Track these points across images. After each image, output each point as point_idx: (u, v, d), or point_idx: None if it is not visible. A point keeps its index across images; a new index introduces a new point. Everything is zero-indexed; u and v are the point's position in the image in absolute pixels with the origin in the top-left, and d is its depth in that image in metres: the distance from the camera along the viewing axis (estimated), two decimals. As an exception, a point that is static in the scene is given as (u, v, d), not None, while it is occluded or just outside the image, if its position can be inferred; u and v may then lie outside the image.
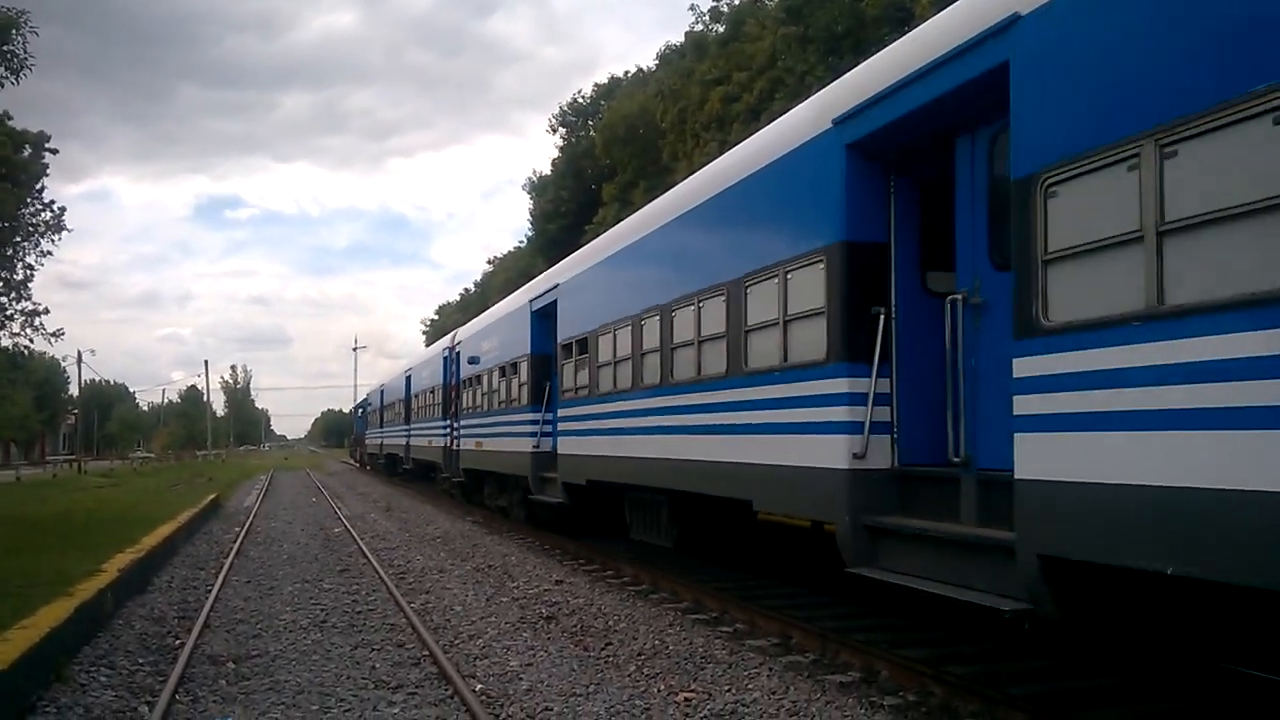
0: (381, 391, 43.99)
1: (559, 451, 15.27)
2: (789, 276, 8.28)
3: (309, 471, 56.45)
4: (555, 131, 57.09)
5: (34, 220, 18.85)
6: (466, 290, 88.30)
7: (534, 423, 16.57)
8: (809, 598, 10.42)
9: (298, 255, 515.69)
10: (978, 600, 5.98)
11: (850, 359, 7.38)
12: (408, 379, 34.66)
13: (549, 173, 56.34)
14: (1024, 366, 5.51)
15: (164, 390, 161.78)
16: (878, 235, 7.52)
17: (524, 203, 60.12)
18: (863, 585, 7.80)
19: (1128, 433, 4.81)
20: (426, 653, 8.45)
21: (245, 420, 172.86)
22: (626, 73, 52.55)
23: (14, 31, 13.70)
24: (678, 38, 41.32)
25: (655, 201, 12.97)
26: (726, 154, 11.05)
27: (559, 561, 14.63)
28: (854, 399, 7.32)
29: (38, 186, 19.04)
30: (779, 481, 8.39)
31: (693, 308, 10.28)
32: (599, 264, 14.02)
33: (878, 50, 8.12)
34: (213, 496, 27.22)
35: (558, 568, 13.88)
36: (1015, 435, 5.55)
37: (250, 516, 23.05)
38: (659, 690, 7.29)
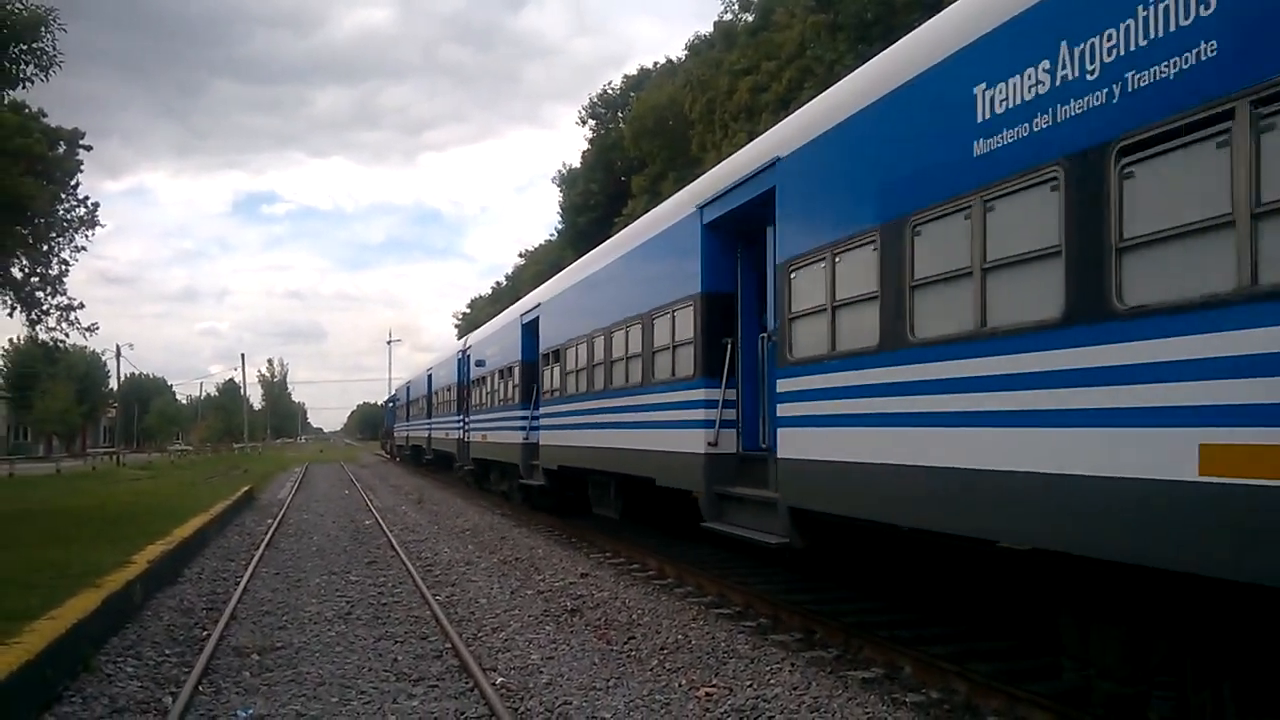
0: (408, 388, 47.22)
1: (540, 443, 17.93)
2: (675, 313, 11.31)
3: (343, 464, 56.98)
4: (585, 124, 57.12)
5: (69, 216, 19.10)
6: (498, 284, 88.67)
7: (524, 418, 19.13)
8: (835, 591, 10.32)
9: (334, 249, 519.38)
10: (760, 539, 8.74)
11: (708, 375, 10.38)
12: (429, 377, 36.88)
13: (579, 165, 56.33)
14: (781, 385, 8.56)
15: (201, 384, 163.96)
16: (728, 287, 10.52)
17: (555, 196, 59.96)
18: (887, 581, 10.08)
19: (827, 428, 7.71)
20: (449, 645, 8.46)
21: (282, 413, 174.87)
22: (656, 64, 52.42)
23: (43, 29, 13.83)
24: (708, 28, 41.16)
25: (606, 242, 16.12)
26: (647, 214, 14.67)
27: (585, 555, 14.63)
28: (710, 404, 10.18)
29: (72, 183, 19.33)
30: (668, 462, 11.32)
31: (623, 331, 13.27)
32: (567, 289, 17.10)
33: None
34: (246, 489, 27.50)
35: (584, 560, 13.87)
36: (777, 430, 8.60)
37: (283, 509, 23.27)
38: (680, 685, 7.24)
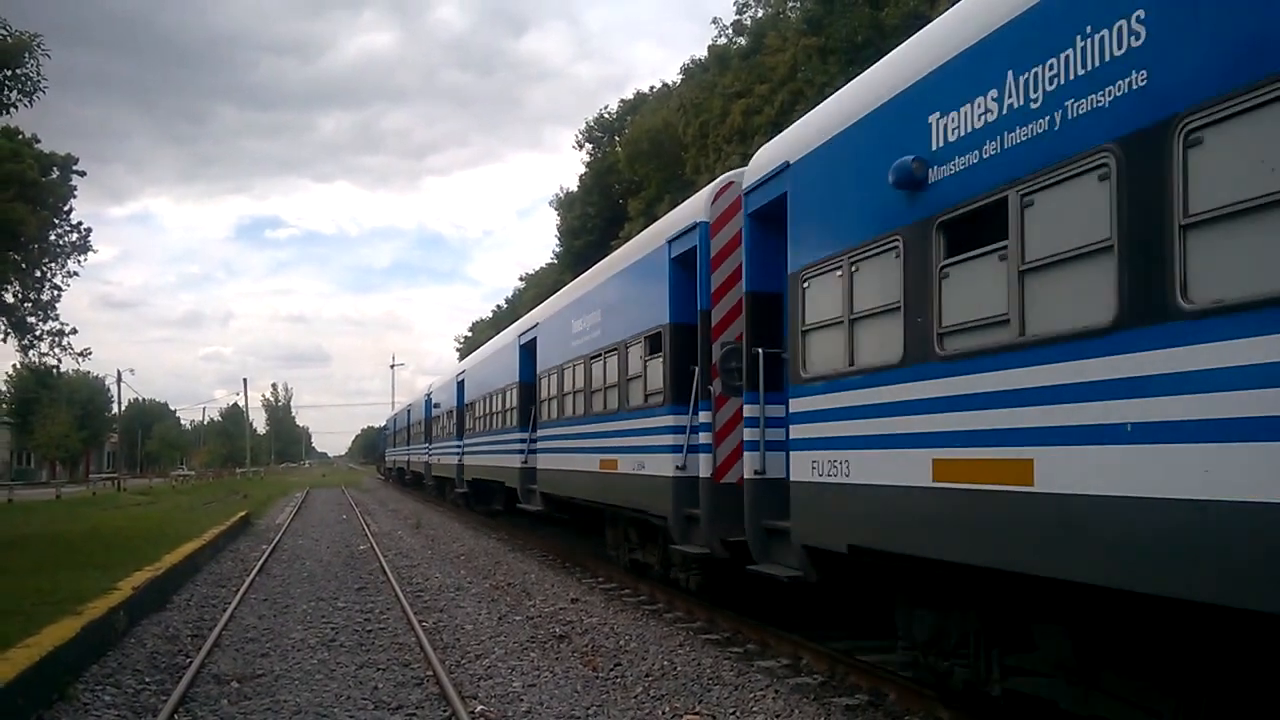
0: (408, 411, 48.02)
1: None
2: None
3: (344, 489, 56.82)
4: (582, 147, 57.35)
5: (61, 241, 19.14)
6: (499, 307, 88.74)
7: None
8: (825, 616, 10.19)
9: (337, 274, 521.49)
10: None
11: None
12: (427, 400, 37.98)
13: (576, 189, 56.53)
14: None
15: (204, 409, 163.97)
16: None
17: (554, 219, 60.15)
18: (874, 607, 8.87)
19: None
20: (431, 673, 8.36)
21: (286, 438, 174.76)
22: (652, 88, 52.73)
23: (26, 55, 13.88)
24: (704, 53, 41.37)
25: (588, 271, 16.24)
26: (621, 247, 15.18)
27: (577, 579, 14.52)
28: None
29: (65, 208, 19.39)
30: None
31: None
32: (554, 314, 17.41)
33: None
34: (243, 514, 27.42)
35: (575, 585, 13.76)
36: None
37: (279, 534, 23.18)
38: (663, 712, 7.15)
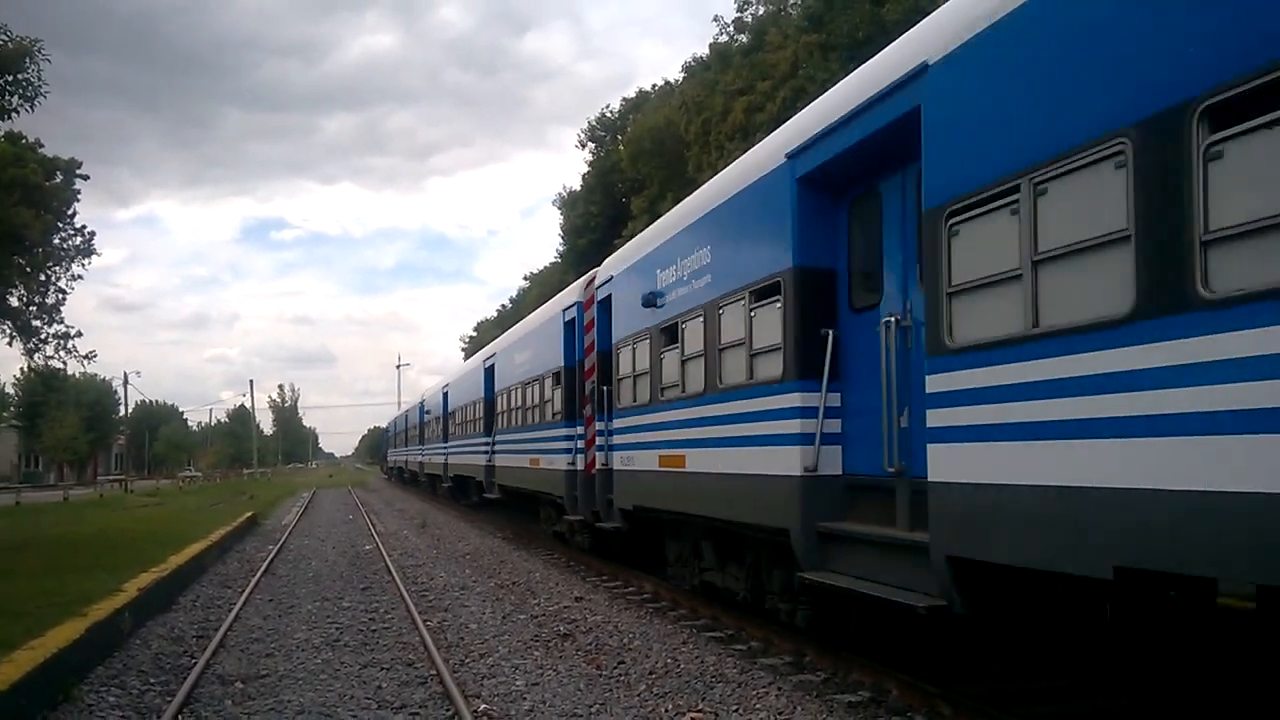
0: (406, 416, 53.88)
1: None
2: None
3: (350, 489, 56.95)
4: (584, 147, 57.33)
5: (65, 245, 19.23)
6: (504, 306, 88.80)
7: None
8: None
9: (343, 275, 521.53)
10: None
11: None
12: (421, 408, 42.90)
13: (579, 188, 56.52)
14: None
15: (211, 410, 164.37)
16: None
17: (557, 218, 60.18)
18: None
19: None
20: (434, 672, 8.38)
21: (293, 438, 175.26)
22: (655, 86, 52.62)
23: (27, 60, 13.93)
24: (705, 50, 41.35)
25: (522, 321, 20.22)
26: (539, 309, 19.40)
27: (582, 578, 14.52)
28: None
29: (69, 212, 19.47)
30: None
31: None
32: (506, 346, 21.98)
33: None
34: (250, 515, 27.49)
35: (580, 584, 13.77)
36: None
37: (285, 534, 23.23)
38: (666, 710, 7.16)
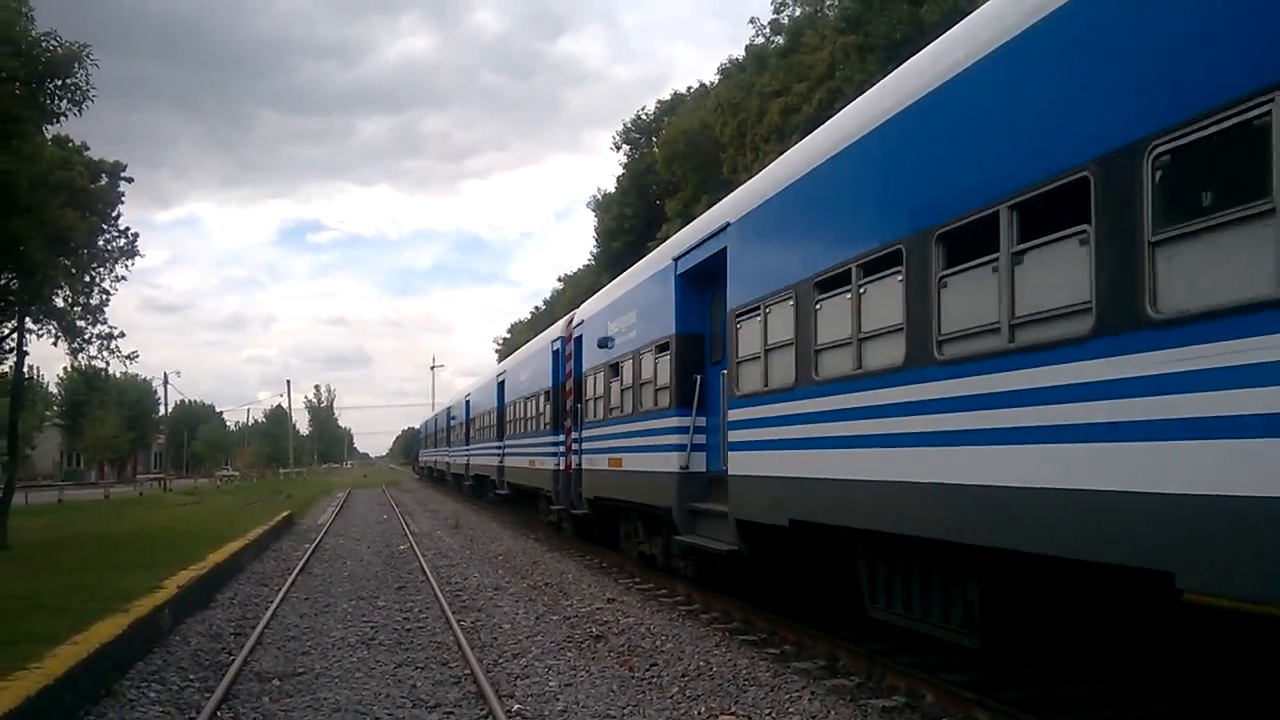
0: (435, 420, 59.60)
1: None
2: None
3: (385, 489, 57.46)
4: (619, 149, 57.38)
5: (109, 247, 19.58)
6: (537, 308, 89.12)
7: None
8: (861, 616, 10.11)
9: (379, 276, 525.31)
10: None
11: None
12: (448, 413, 47.77)
13: (613, 190, 56.59)
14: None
15: (249, 410, 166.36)
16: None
17: (592, 220, 60.26)
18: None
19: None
20: (468, 671, 8.43)
21: (329, 438, 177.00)
22: (690, 88, 52.56)
23: (76, 65, 14.19)
24: (741, 52, 41.26)
25: (518, 350, 27.25)
26: (533, 339, 25.42)
27: (614, 580, 14.54)
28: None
29: (113, 214, 19.82)
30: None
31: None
32: (511, 368, 27.72)
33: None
34: (286, 514, 27.80)
35: (612, 585, 13.79)
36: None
37: (321, 534, 23.48)
38: (698, 713, 7.15)
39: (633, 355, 13.79)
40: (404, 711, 7.33)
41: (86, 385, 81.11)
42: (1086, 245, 5.07)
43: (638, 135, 55.99)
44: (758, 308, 9.35)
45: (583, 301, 21.94)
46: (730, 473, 9.97)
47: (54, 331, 18.25)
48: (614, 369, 14.84)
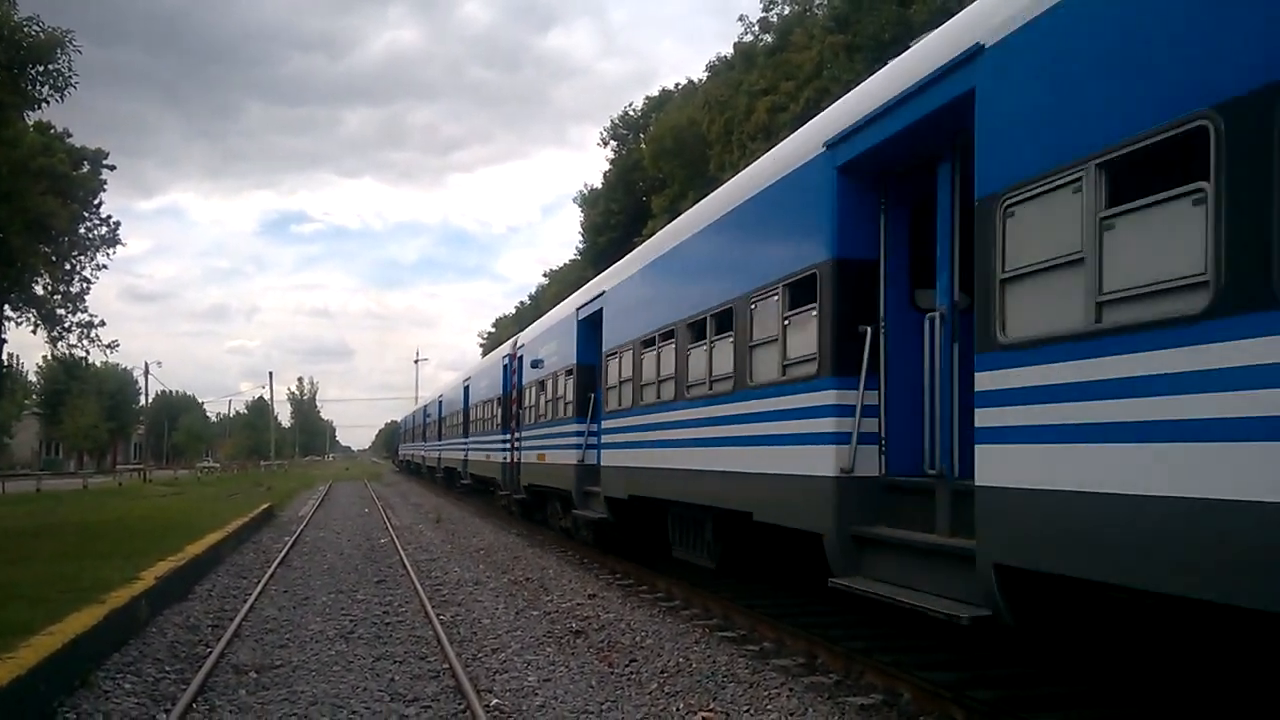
0: (414, 416, 63.94)
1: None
2: (495, 400, 26.13)
3: (367, 482, 57.25)
4: (606, 145, 57.35)
5: (90, 235, 19.41)
6: (522, 303, 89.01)
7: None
8: (839, 615, 10.16)
9: (363, 269, 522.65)
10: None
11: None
12: (424, 411, 52.69)
13: (600, 186, 56.58)
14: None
15: (230, 401, 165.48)
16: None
17: (578, 215, 60.27)
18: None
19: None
20: (447, 666, 8.40)
21: (311, 431, 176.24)
22: (678, 85, 52.58)
23: (59, 51, 14.06)
24: (729, 49, 41.29)
25: (483, 358, 37.08)
26: (490, 353, 34.69)
27: (595, 575, 14.54)
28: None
29: (95, 202, 19.65)
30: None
31: (486, 404, 27.92)
32: (472, 375, 32.71)
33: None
34: (266, 506, 27.66)
35: (593, 581, 13.78)
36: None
37: (301, 526, 23.36)
38: (677, 709, 7.15)
39: (552, 375, 18.12)
40: (381, 705, 7.30)
41: (66, 374, 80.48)
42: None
43: (625, 131, 56.00)
44: (616, 352, 13.81)
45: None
46: (601, 464, 14.57)
47: (33, 319, 18.11)
48: (541, 385, 19.10)
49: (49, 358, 76.98)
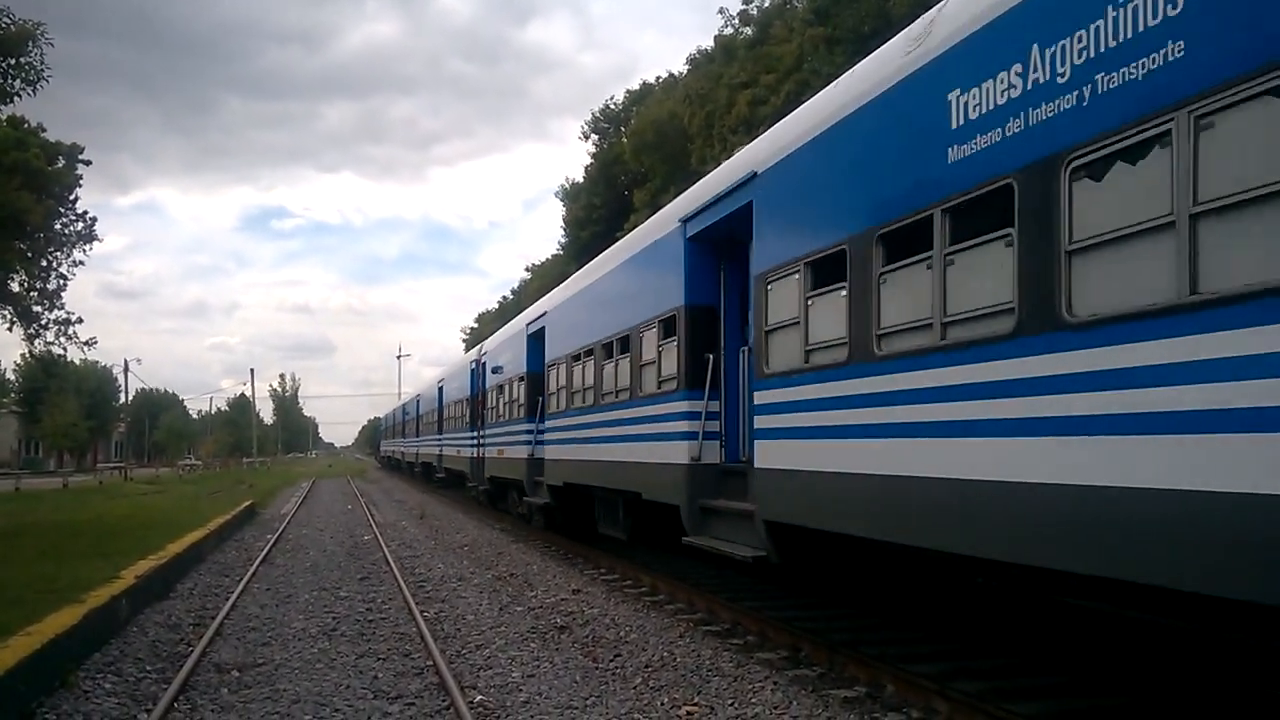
0: (394, 414, 67.35)
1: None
2: (465, 400, 28.20)
3: (350, 479, 57.00)
4: (588, 138, 57.21)
5: (67, 231, 19.20)
6: (505, 298, 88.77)
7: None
8: (827, 609, 10.20)
9: (344, 264, 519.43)
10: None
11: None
12: (403, 409, 55.68)
13: (582, 180, 56.46)
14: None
15: (212, 398, 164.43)
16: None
17: (560, 210, 60.15)
18: (880, 597, 10.53)
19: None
20: (430, 662, 8.38)
21: (294, 428, 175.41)
22: (659, 78, 52.47)
23: (30, 44, 13.87)
24: (710, 43, 41.20)
25: (447, 368, 38.49)
26: (455, 360, 36.16)
27: (579, 570, 14.53)
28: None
29: (71, 197, 19.43)
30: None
31: (455, 404, 30.63)
32: (441, 379, 36.45)
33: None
34: (248, 504, 27.49)
35: (577, 576, 13.77)
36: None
37: (284, 524, 23.23)
38: (661, 703, 7.15)
39: (509, 381, 20.50)
40: (365, 703, 7.27)
41: (44, 372, 79.71)
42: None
43: (606, 125, 55.89)
44: (554, 364, 16.57)
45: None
46: (546, 458, 16.78)
47: (9, 316, 17.88)
48: (500, 389, 21.63)
49: (27, 355, 76.39)
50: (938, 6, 6.39)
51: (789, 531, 8.15)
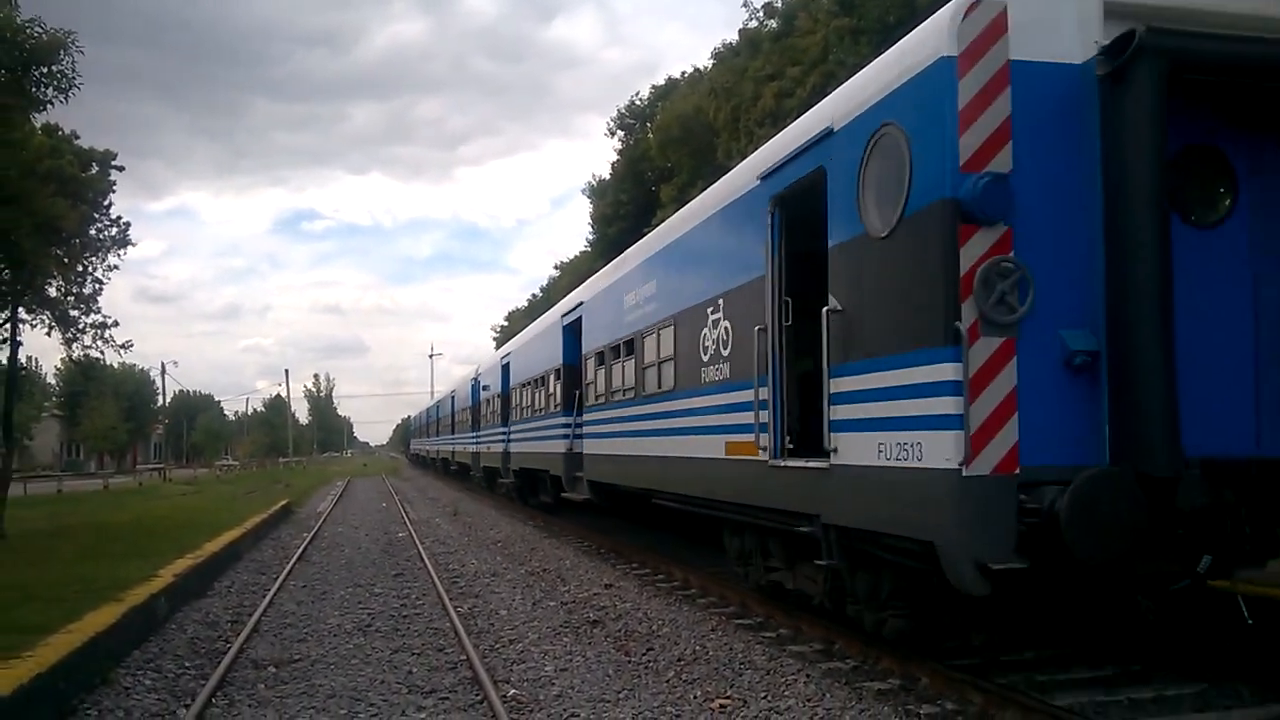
0: (426, 413, 69.03)
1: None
2: (467, 410, 37.75)
3: (384, 477, 57.50)
4: (613, 135, 57.16)
5: (101, 236, 19.51)
6: (534, 296, 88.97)
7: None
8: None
9: (376, 265, 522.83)
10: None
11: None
12: (429, 411, 60.63)
13: (609, 176, 56.41)
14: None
15: (248, 399, 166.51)
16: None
17: (588, 207, 60.18)
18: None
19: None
20: (464, 657, 8.43)
21: (329, 428, 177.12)
22: (684, 73, 52.30)
23: (62, 52, 14.09)
24: (735, 37, 41.04)
25: (460, 378, 45.40)
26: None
27: (612, 565, 14.55)
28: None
29: (104, 203, 19.73)
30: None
31: (464, 412, 38.85)
32: (452, 392, 45.57)
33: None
34: (284, 503, 27.81)
35: (610, 571, 13.80)
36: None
37: (319, 522, 23.46)
38: (694, 697, 7.15)
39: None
40: (399, 697, 7.33)
41: (83, 376, 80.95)
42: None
43: (632, 121, 55.75)
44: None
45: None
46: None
47: (47, 321, 18.20)
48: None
49: (66, 359, 77.64)
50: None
51: (599, 486, 15.50)
